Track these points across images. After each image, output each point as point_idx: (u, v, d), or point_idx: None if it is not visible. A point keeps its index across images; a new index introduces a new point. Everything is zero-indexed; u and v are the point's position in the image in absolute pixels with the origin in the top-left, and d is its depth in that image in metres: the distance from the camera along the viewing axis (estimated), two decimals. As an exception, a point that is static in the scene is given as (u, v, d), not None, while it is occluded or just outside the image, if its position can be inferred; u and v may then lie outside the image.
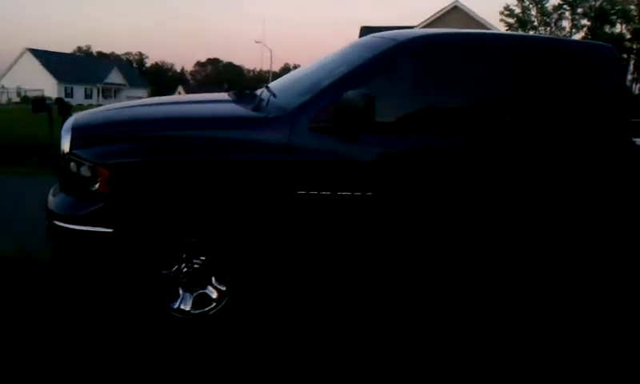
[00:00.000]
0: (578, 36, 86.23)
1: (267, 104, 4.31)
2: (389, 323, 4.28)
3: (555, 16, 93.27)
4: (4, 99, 77.63)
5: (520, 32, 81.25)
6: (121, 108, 4.72)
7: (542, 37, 6.37)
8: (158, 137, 3.91)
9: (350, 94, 3.84)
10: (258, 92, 4.83)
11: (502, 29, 65.88)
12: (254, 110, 4.24)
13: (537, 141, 4.37)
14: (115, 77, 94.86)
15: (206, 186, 3.87)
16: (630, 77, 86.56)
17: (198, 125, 4.05)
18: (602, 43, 4.88)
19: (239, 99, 4.66)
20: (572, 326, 4.42)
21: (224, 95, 4.98)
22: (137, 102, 5.00)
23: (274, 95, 4.46)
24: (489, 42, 4.54)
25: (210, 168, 3.85)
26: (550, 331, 4.28)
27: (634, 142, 4.47)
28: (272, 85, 4.96)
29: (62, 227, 3.88)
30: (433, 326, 4.30)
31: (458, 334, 4.17)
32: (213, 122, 4.11)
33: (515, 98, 4.38)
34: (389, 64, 4.24)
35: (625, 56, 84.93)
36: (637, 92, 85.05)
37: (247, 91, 4.96)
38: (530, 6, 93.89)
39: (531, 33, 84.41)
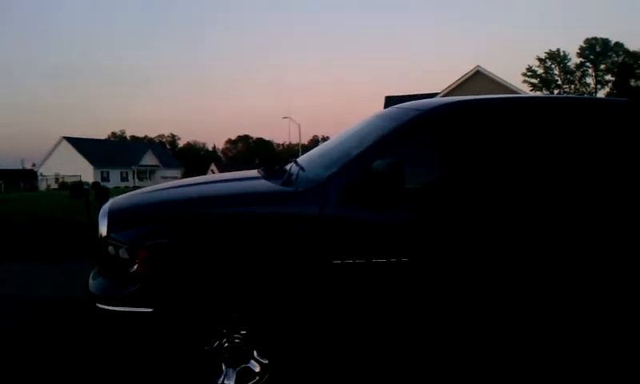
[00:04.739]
0: (603, 92, 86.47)
1: (297, 178, 4.42)
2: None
3: (578, 74, 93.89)
4: (43, 186, 79.99)
5: (544, 92, 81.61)
6: (154, 190, 4.86)
7: (562, 96, 6.40)
8: (191, 216, 4.01)
9: (378, 164, 3.92)
10: (287, 167, 4.95)
11: (525, 90, 66.16)
12: (283, 184, 4.34)
13: (572, 202, 4.33)
14: (149, 159, 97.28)
15: (243, 262, 3.93)
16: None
17: (230, 202, 4.14)
18: (628, 99, 4.90)
19: (269, 175, 4.78)
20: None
21: (254, 172, 5.10)
22: (169, 184, 5.15)
23: (303, 169, 4.58)
24: (508, 105, 4.61)
25: (244, 244, 3.93)
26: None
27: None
28: (300, 159, 5.09)
29: (103, 309, 3.97)
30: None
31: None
32: (244, 198, 4.21)
33: (548, 160, 4.39)
34: (414, 133, 4.33)
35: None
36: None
37: (276, 167, 5.07)
38: (553, 65, 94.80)
39: (555, 92, 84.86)
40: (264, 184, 4.55)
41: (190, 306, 3.88)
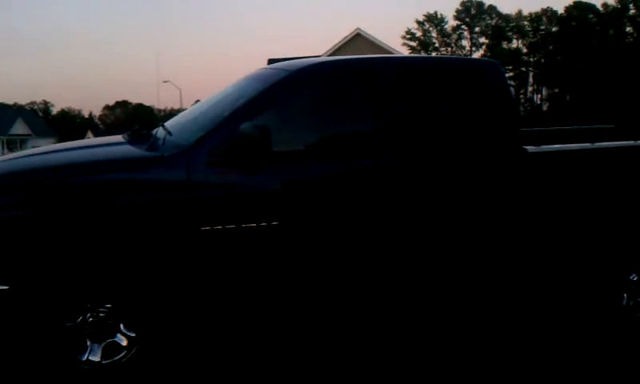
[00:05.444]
0: (477, 54, 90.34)
1: (163, 142, 4.25)
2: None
3: (455, 36, 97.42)
4: None
5: (422, 54, 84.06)
6: (8, 159, 4.54)
7: (428, 57, 6.60)
8: (47, 186, 3.77)
9: (245, 126, 3.87)
10: (154, 131, 4.76)
11: (405, 52, 67.81)
12: (148, 149, 4.18)
13: (434, 156, 4.48)
14: (20, 128, 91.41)
15: (104, 232, 3.77)
16: (530, 88, 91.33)
17: (89, 170, 3.93)
18: (488, 59, 5.08)
19: (134, 140, 4.58)
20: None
21: (118, 137, 4.88)
22: (26, 152, 4.83)
23: (170, 133, 4.42)
24: (374, 65, 4.64)
25: (105, 212, 3.76)
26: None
27: (525, 149, 4.65)
28: (168, 123, 4.91)
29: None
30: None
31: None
32: (104, 165, 4.01)
33: (407, 117, 4.46)
34: (281, 94, 4.28)
35: (523, 69, 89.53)
36: (538, 102, 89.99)
37: (144, 131, 4.87)
38: (430, 28, 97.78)
39: (433, 54, 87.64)
40: (128, 149, 4.36)
41: (50, 281, 3.66)
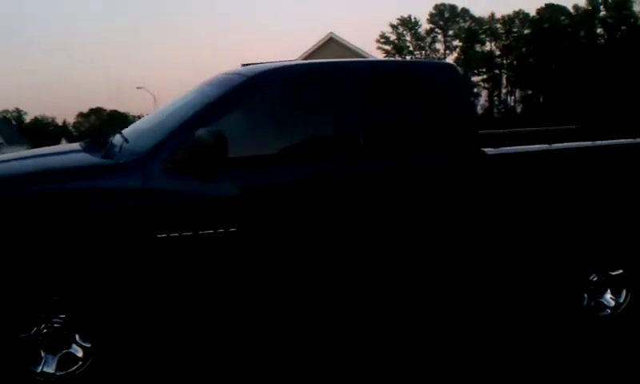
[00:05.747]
0: (451, 57, 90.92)
1: (120, 150, 4.22)
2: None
3: (429, 40, 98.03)
4: None
5: (397, 58, 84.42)
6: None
7: (386, 60, 6.55)
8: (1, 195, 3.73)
9: (201, 132, 3.84)
10: (111, 139, 4.73)
11: (380, 56, 67.97)
12: (104, 157, 4.15)
13: (394, 160, 4.48)
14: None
15: (59, 241, 3.72)
16: (504, 90, 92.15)
17: (41, 179, 3.88)
18: (444, 62, 5.12)
19: (90, 147, 4.55)
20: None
21: (75, 145, 4.84)
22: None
23: (126, 140, 4.37)
24: (333, 70, 4.65)
25: (60, 221, 3.71)
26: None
27: (483, 151, 4.67)
28: (125, 130, 4.86)
29: None
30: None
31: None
32: (58, 174, 3.96)
33: (367, 121, 4.49)
34: (239, 99, 4.27)
35: (497, 71, 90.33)
36: (512, 104, 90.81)
37: (101, 139, 4.83)
38: (404, 32, 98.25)
39: (408, 57, 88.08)
40: (83, 157, 4.35)
41: (1, 291, 3.61)
